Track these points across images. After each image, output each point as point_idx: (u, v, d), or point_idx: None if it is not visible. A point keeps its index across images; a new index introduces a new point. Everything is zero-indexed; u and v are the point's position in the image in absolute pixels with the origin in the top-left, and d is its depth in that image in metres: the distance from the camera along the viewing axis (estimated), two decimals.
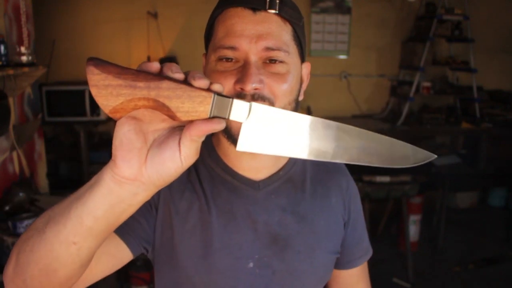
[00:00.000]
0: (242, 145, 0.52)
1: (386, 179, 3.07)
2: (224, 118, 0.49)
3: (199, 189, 0.79)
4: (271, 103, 0.69)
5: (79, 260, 0.55)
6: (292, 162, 0.83)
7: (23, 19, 2.29)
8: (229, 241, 0.77)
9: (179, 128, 0.50)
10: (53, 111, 3.52)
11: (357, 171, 3.28)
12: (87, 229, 0.52)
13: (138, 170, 0.49)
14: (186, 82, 0.49)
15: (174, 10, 3.91)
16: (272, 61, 0.70)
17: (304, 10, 4.11)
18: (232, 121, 0.56)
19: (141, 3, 3.90)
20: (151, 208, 0.78)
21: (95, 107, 3.54)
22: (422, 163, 0.55)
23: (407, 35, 4.26)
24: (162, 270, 0.80)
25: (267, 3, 0.69)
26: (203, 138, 0.49)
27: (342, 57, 4.26)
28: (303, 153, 0.52)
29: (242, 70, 0.68)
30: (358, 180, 3.03)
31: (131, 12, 3.92)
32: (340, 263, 0.90)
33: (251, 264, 0.77)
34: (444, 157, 3.82)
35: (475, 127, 3.92)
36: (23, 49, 2.11)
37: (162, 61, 3.84)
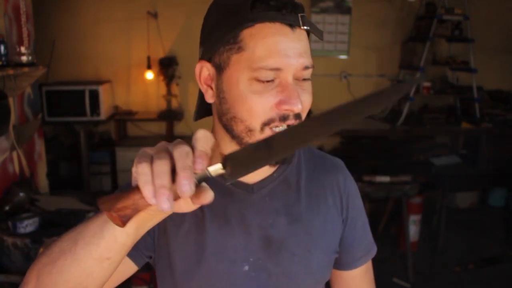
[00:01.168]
0: (233, 177, 0.52)
1: (386, 179, 3.07)
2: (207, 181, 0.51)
3: None
4: (300, 119, 0.70)
5: (109, 273, 0.59)
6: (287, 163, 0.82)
7: (23, 19, 2.29)
8: (223, 245, 0.77)
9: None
10: (53, 111, 3.52)
11: (357, 171, 3.28)
12: (120, 245, 0.56)
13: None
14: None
15: (174, 10, 3.91)
16: (305, 80, 0.70)
17: (304, 10, 4.11)
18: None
19: (141, 3, 3.90)
20: None
21: (95, 107, 3.54)
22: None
23: (407, 35, 4.26)
24: (162, 275, 0.81)
25: (300, 20, 0.67)
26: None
27: (342, 57, 4.26)
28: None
29: (283, 91, 0.67)
30: (358, 180, 3.03)
31: (131, 12, 3.92)
32: (340, 264, 0.88)
33: (246, 268, 0.77)
34: (444, 157, 3.82)
35: (475, 127, 3.92)
36: (23, 49, 2.11)
37: (162, 61, 3.84)
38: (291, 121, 0.68)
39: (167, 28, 3.95)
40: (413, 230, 3.41)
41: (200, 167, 0.49)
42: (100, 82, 3.70)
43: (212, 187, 0.77)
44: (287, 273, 0.79)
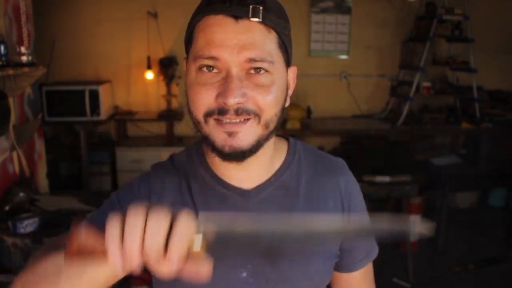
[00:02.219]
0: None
1: (386, 179, 3.07)
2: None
3: (189, 200, 0.78)
4: (257, 116, 0.68)
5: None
6: (285, 167, 0.80)
7: (23, 19, 2.29)
8: (220, 251, 0.76)
9: None
10: (53, 111, 3.52)
11: (357, 171, 3.27)
12: (105, 278, 0.57)
13: None
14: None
15: (174, 10, 3.91)
16: (257, 69, 0.67)
17: (304, 10, 4.11)
18: (215, 134, 0.65)
19: (141, 3, 3.90)
20: None
21: (95, 107, 3.54)
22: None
23: (407, 35, 4.26)
24: (157, 280, 0.81)
25: (250, 11, 0.65)
26: None
27: (342, 57, 4.26)
28: None
29: (224, 83, 0.65)
30: (358, 180, 3.00)
31: (131, 12, 3.92)
32: (340, 266, 0.87)
33: (244, 274, 0.77)
34: (444, 157, 3.82)
35: (475, 127, 3.92)
36: (23, 49, 2.11)
37: (162, 61, 3.84)
38: (231, 116, 0.66)
39: (167, 28, 3.95)
40: None
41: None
42: (100, 82, 3.70)
43: (208, 193, 0.77)
44: (284, 279, 0.78)
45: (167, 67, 3.82)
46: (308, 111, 4.06)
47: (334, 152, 4.05)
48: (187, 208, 0.75)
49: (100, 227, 0.61)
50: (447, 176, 3.60)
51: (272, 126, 0.71)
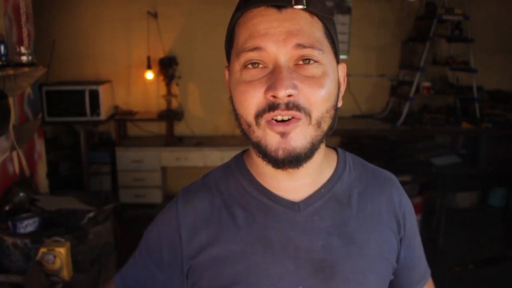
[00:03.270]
0: None
1: None
2: None
3: (226, 217, 0.71)
4: (307, 114, 0.61)
5: None
6: (336, 178, 0.73)
7: (23, 19, 2.29)
8: (267, 272, 0.67)
9: None
10: (53, 111, 3.52)
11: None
12: None
13: None
14: None
15: (174, 10, 3.91)
16: (306, 61, 0.61)
17: None
18: (268, 137, 0.57)
19: (141, 3, 3.90)
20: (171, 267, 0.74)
21: (95, 107, 3.54)
22: None
23: (407, 35, 4.26)
24: None
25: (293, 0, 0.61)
26: None
27: (342, 57, 4.26)
28: None
29: (272, 76, 0.60)
30: None
31: (131, 12, 3.92)
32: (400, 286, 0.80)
33: None
34: (444, 157, 3.81)
35: (475, 127, 3.91)
36: (23, 49, 2.10)
37: (162, 61, 3.84)
38: (282, 111, 0.60)
39: (167, 28, 3.95)
40: None
41: None
42: (100, 82, 3.70)
43: (252, 207, 0.71)
44: None
45: (167, 67, 3.82)
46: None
47: None
48: (226, 224, 0.70)
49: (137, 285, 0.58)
50: (447, 176, 3.60)
51: (325, 126, 0.65)
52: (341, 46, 4.21)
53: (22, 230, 1.82)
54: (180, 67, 3.95)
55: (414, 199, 3.39)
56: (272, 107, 0.60)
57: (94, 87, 3.52)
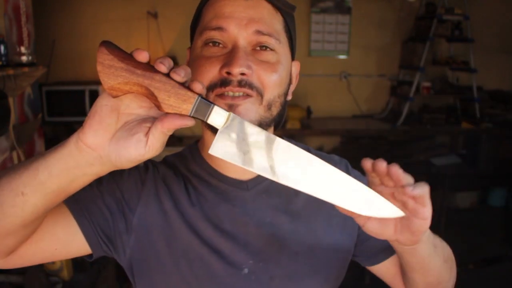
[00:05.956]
0: (215, 150, 0.53)
1: None
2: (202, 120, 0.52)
3: (184, 196, 0.74)
4: (259, 93, 0.66)
5: (21, 215, 0.56)
6: None
7: (23, 19, 2.29)
8: (218, 247, 0.71)
9: (152, 118, 0.53)
10: (53, 111, 3.52)
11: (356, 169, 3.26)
12: (39, 182, 0.54)
13: (101, 143, 0.52)
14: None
15: (174, 10, 3.91)
16: (263, 47, 0.67)
17: (304, 10, 4.11)
18: None
19: (141, 3, 3.90)
20: (123, 209, 0.72)
21: None
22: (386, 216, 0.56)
23: (407, 35, 4.26)
24: (143, 282, 0.74)
25: None
26: (171, 132, 0.52)
27: (342, 57, 4.26)
28: (268, 174, 0.53)
29: (230, 55, 0.64)
30: None
31: (131, 12, 3.92)
32: (364, 261, 0.83)
33: (245, 270, 0.72)
34: (444, 157, 3.82)
35: (475, 127, 3.92)
36: (23, 49, 2.11)
37: None
38: (234, 88, 0.64)
39: (167, 28, 3.95)
40: None
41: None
42: (100, 82, 3.69)
43: (204, 188, 0.74)
44: (290, 275, 0.73)
45: None
46: (308, 111, 4.05)
47: (334, 152, 4.04)
48: (185, 202, 0.73)
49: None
50: (447, 176, 3.60)
51: (274, 111, 0.69)
52: (341, 46, 4.22)
53: None
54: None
55: None
56: (224, 82, 0.64)
57: (94, 87, 3.52)
